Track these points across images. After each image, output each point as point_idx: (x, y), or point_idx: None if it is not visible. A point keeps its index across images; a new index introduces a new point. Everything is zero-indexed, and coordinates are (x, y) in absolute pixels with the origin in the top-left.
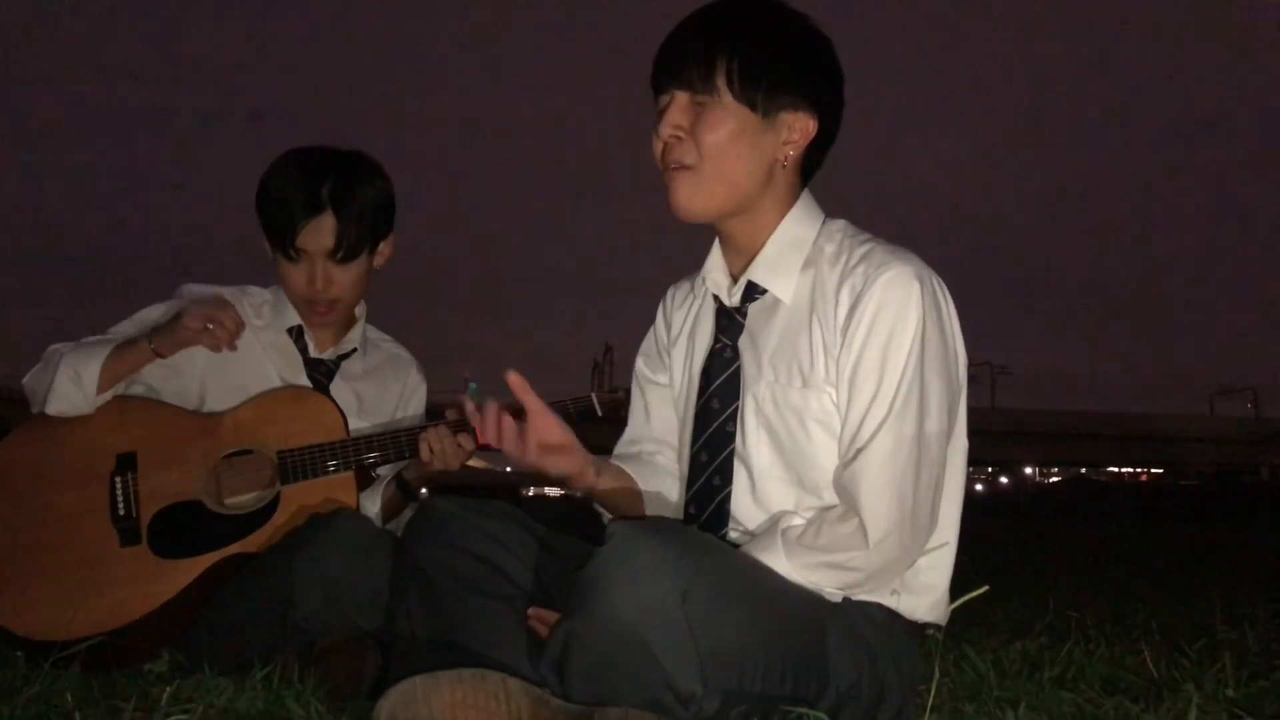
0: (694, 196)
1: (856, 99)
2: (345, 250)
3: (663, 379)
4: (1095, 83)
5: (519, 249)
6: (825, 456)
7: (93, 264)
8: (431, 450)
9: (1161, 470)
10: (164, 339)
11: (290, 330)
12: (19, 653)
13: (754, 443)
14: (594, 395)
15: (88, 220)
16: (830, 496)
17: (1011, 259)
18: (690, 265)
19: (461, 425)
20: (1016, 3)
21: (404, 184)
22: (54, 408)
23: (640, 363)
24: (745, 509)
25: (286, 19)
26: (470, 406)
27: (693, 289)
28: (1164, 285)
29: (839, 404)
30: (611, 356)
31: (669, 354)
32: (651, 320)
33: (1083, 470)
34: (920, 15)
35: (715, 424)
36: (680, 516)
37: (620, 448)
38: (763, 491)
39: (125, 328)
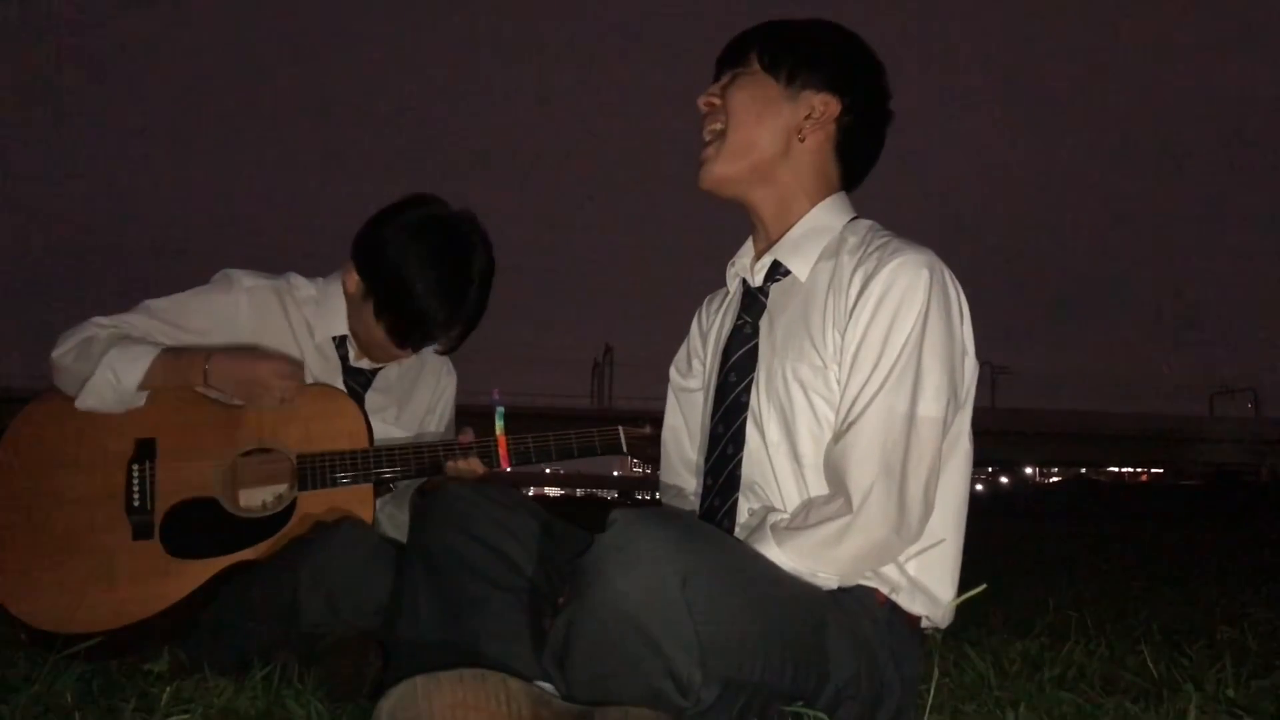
0: (718, 159)
1: None
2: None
3: (693, 383)
4: (1096, 82)
5: (519, 249)
6: (825, 432)
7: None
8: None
9: (1161, 470)
10: (227, 380)
11: (334, 337)
12: (21, 636)
13: (766, 416)
14: (621, 430)
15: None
16: (821, 476)
17: (1012, 259)
18: (693, 267)
19: (483, 449)
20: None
21: (403, 184)
22: (85, 404)
23: (672, 372)
24: (765, 479)
25: (284, 14)
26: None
27: (726, 294)
28: (1165, 285)
29: (840, 380)
30: (611, 357)
31: (703, 350)
32: (653, 322)
33: (1083, 470)
34: (917, 12)
35: (732, 395)
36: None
37: (662, 477)
38: (776, 464)
39: (164, 306)
